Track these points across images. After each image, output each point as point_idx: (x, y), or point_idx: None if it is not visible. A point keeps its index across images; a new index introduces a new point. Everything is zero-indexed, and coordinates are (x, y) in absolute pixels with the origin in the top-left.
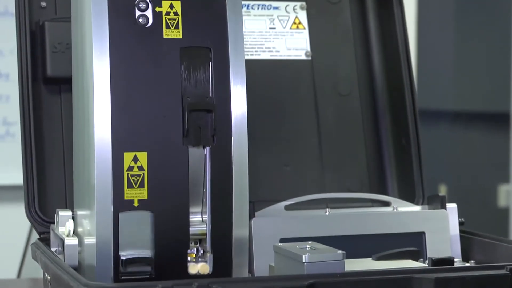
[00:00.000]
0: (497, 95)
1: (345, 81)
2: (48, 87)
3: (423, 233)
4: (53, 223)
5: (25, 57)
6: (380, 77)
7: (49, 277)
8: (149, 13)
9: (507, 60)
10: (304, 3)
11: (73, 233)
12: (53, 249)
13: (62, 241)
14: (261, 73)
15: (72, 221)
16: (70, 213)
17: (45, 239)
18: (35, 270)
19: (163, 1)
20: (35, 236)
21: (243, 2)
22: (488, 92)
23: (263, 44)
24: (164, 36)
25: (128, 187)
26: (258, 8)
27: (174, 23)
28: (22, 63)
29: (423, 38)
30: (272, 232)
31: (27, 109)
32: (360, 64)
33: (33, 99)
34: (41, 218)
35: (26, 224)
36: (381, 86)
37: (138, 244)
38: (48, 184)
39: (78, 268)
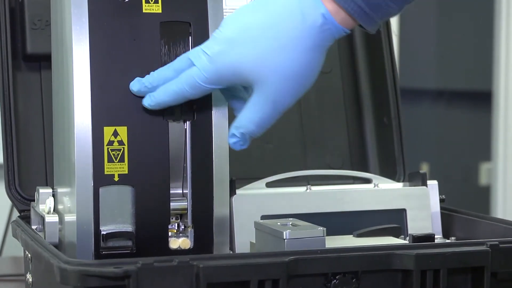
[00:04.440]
0: (480, 73)
1: (326, 59)
2: (28, 65)
3: (404, 210)
4: (34, 201)
5: (4, 34)
6: (362, 55)
7: (29, 255)
8: None
9: (489, 38)
10: None
11: (54, 210)
12: (33, 227)
13: (43, 218)
14: None
15: (52, 198)
16: (50, 190)
17: (25, 217)
18: (16, 248)
19: None
20: (16, 214)
21: None
22: (470, 70)
23: None
24: (144, 11)
25: (108, 162)
26: None
27: None
28: (2, 40)
29: (405, 15)
30: (253, 209)
31: (6, 87)
32: (341, 42)
33: (13, 77)
34: (22, 196)
35: (7, 202)
36: (363, 63)
37: (119, 220)
38: (28, 162)
39: (58, 246)
